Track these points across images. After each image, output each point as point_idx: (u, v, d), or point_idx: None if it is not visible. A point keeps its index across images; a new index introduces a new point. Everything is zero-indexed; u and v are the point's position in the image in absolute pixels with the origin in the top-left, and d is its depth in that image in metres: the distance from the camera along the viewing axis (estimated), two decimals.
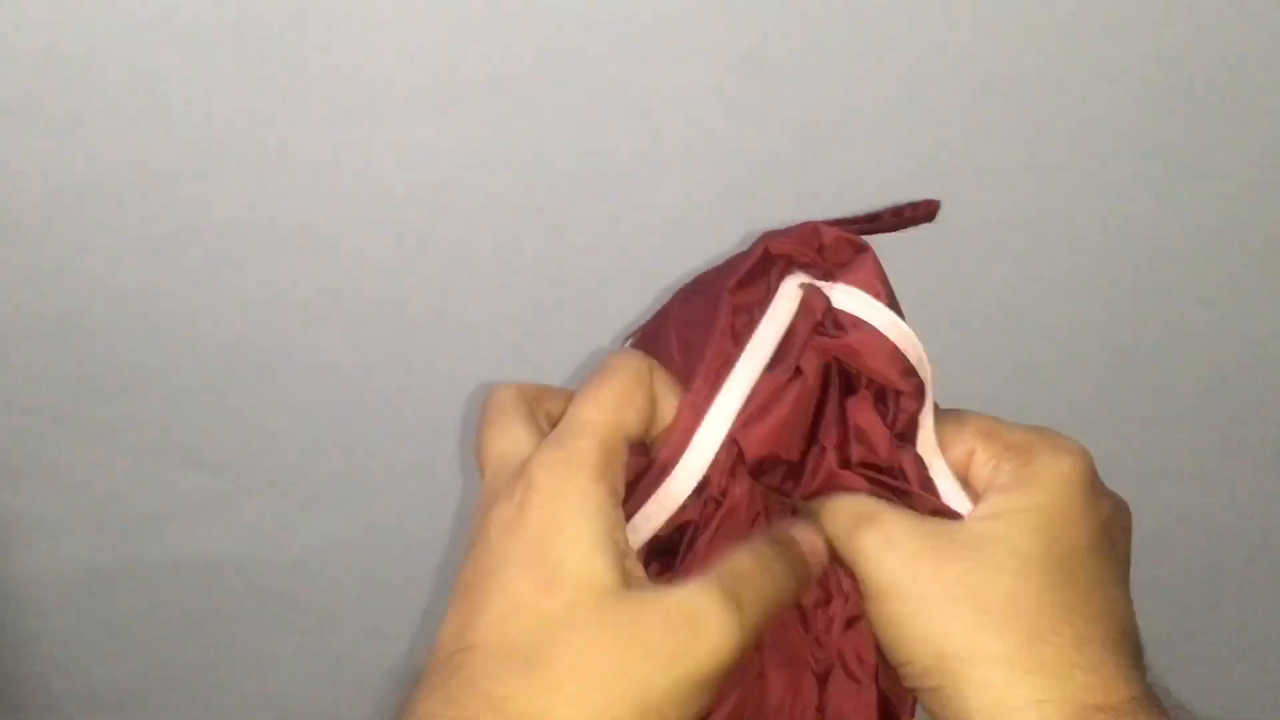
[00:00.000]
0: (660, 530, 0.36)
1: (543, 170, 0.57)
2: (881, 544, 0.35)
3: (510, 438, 0.35)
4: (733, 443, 0.37)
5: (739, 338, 0.38)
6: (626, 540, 0.34)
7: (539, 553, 0.32)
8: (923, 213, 0.42)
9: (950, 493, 0.38)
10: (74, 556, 0.69)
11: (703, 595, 0.32)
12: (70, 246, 0.58)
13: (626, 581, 0.32)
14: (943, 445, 0.39)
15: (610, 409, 0.34)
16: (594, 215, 0.59)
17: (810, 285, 0.39)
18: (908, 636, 0.34)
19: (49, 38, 0.51)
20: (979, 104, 0.57)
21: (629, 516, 0.36)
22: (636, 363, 0.36)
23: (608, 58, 0.54)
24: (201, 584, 0.71)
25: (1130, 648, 0.35)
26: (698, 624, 0.31)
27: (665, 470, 0.36)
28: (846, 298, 0.39)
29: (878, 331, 0.39)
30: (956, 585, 0.34)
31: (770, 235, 0.40)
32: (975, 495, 0.38)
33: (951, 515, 0.37)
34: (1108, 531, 0.36)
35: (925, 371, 0.39)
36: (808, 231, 0.40)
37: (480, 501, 0.35)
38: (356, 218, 0.58)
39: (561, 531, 0.32)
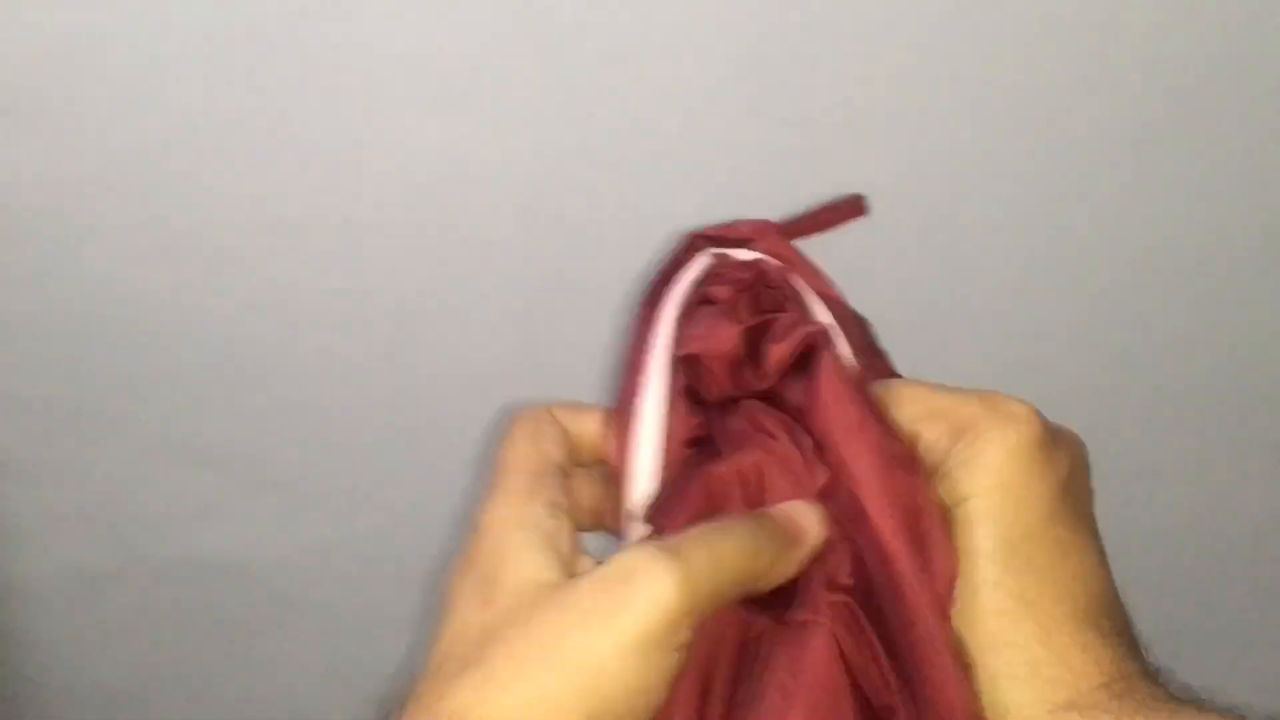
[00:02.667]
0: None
1: (543, 170, 0.57)
2: None
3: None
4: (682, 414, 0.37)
5: (652, 324, 0.38)
6: (572, 545, 0.34)
7: (483, 578, 0.33)
8: (849, 210, 0.42)
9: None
10: (74, 556, 0.69)
11: (633, 552, 0.31)
12: (70, 246, 0.58)
13: (572, 574, 0.33)
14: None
15: (523, 444, 0.36)
16: (594, 215, 0.59)
17: (720, 252, 0.39)
18: None
19: (49, 38, 0.51)
20: (979, 104, 0.57)
21: (620, 528, 0.36)
22: (529, 407, 0.38)
23: (608, 58, 0.54)
24: (201, 584, 0.71)
25: (1104, 616, 0.34)
26: (629, 577, 0.30)
27: (621, 477, 0.37)
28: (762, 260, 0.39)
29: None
30: None
31: (698, 230, 0.41)
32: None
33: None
34: (1068, 490, 0.35)
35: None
36: (737, 229, 0.40)
37: None
38: (357, 218, 0.58)
39: (501, 553, 0.33)
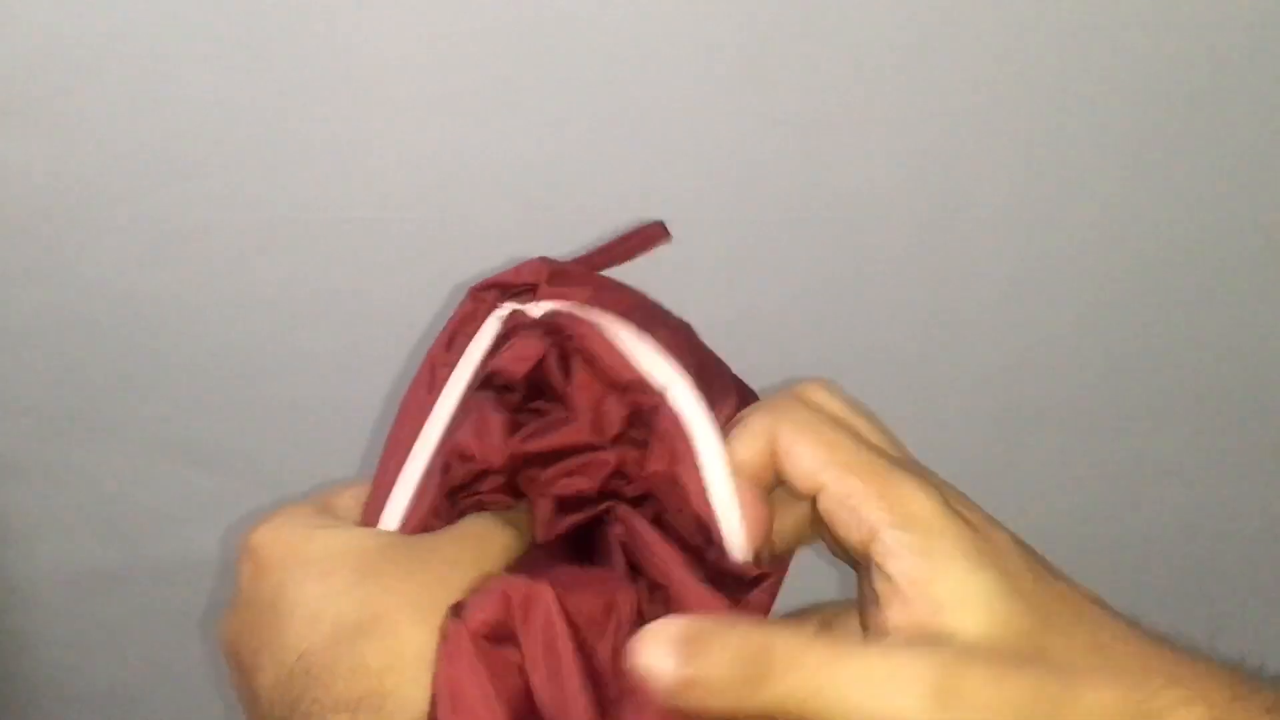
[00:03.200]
0: None
1: (544, 170, 0.57)
2: (864, 698, 0.28)
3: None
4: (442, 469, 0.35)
5: (435, 386, 0.36)
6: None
7: (300, 563, 0.33)
8: (651, 237, 0.40)
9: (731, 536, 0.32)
10: (74, 556, 0.69)
11: (477, 518, 0.34)
12: (70, 246, 0.58)
13: (390, 538, 0.34)
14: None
15: (281, 519, 0.35)
16: (595, 214, 0.59)
17: (517, 309, 0.36)
18: None
19: (49, 38, 0.51)
20: (979, 104, 0.57)
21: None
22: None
23: (608, 58, 0.54)
24: (201, 584, 0.71)
25: (1134, 627, 0.31)
26: (480, 535, 0.34)
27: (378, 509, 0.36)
28: (545, 308, 0.36)
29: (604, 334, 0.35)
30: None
31: (480, 283, 0.38)
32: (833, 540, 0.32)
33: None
34: (984, 522, 0.31)
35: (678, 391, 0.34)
36: (528, 268, 0.38)
37: (222, 631, 0.36)
38: (357, 218, 0.58)
39: (310, 539, 0.33)
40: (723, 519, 0.32)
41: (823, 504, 0.31)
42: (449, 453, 0.35)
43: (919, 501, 0.30)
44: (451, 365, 0.37)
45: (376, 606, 0.31)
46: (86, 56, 0.52)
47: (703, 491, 0.32)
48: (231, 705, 0.36)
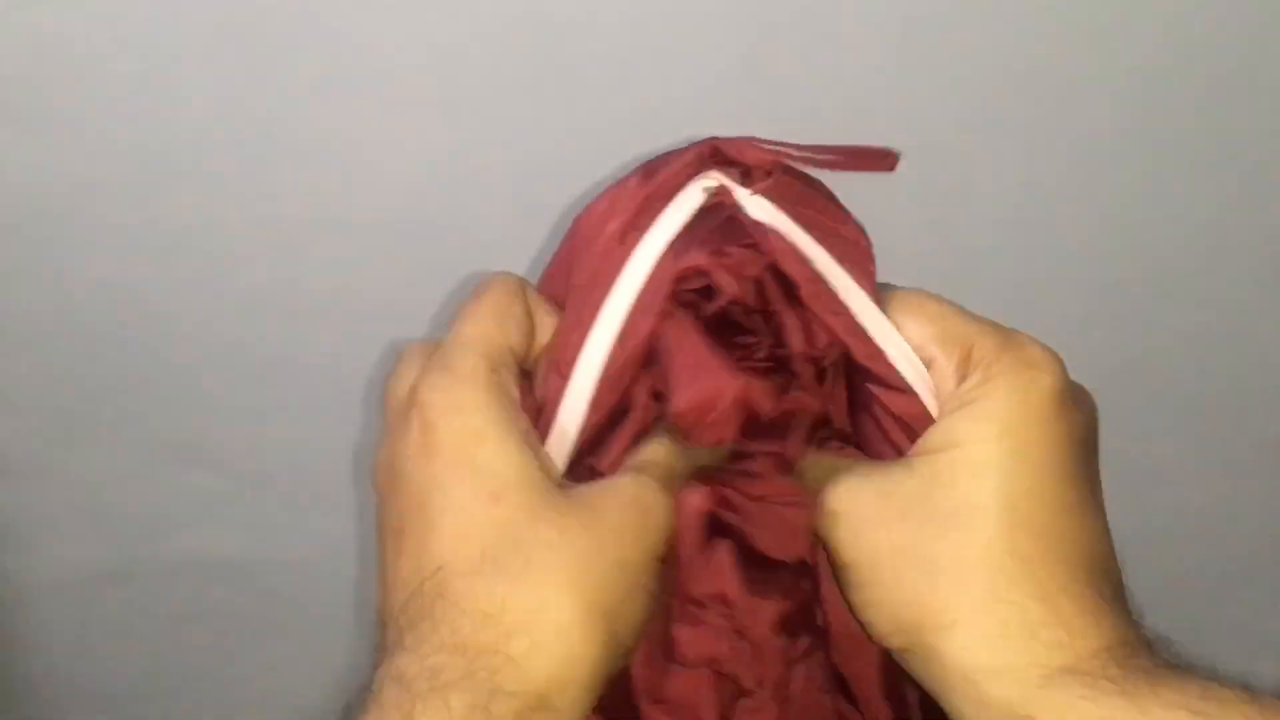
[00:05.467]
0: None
1: (544, 170, 0.57)
2: (830, 520, 0.34)
3: (405, 380, 0.34)
4: (629, 351, 0.34)
5: (628, 238, 0.35)
6: (539, 443, 0.34)
7: (469, 467, 0.31)
8: (880, 159, 0.39)
9: (909, 372, 0.35)
10: (74, 556, 0.69)
11: (642, 482, 0.33)
12: (70, 246, 0.58)
13: (558, 481, 0.33)
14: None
15: (489, 323, 0.34)
16: None
17: (720, 185, 0.35)
18: (868, 608, 0.33)
19: (49, 38, 0.51)
20: (979, 104, 0.57)
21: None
22: (508, 279, 0.36)
23: (608, 58, 0.54)
24: (201, 584, 0.71)
25: (1105, 581, 0.32)
26: (644, 505, 0.33)
27: (555, 401, 0.35)
28: (759, 209, 0.35)
29: (786, 238, 0.35)
30: (905, 553, 0.32)
31: (704, 145, 0.36)
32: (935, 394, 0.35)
33: (907, 398, 0.35)
34: (1078, 449, 0.33)
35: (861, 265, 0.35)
36: (754, 152, 0.36)
37: (379, 446, 0.34)
38: (357, 218, 0.58)
39: (484, 442, 0.31)
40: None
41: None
42: (667, 406, 0.35)
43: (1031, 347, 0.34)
44: (643, 229, 0.35)
45: (532, 556, 0.30)
46: (86, 56, 0.52)
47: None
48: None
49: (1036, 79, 0.56)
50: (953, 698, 0.31)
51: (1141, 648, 0.31)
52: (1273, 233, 0.62)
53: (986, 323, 0.35)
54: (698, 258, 0.34)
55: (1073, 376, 0.34)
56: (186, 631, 0.73)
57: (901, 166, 0.61)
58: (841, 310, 0.35)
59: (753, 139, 0.36)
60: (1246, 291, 0.64)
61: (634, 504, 0.32)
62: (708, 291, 0.35)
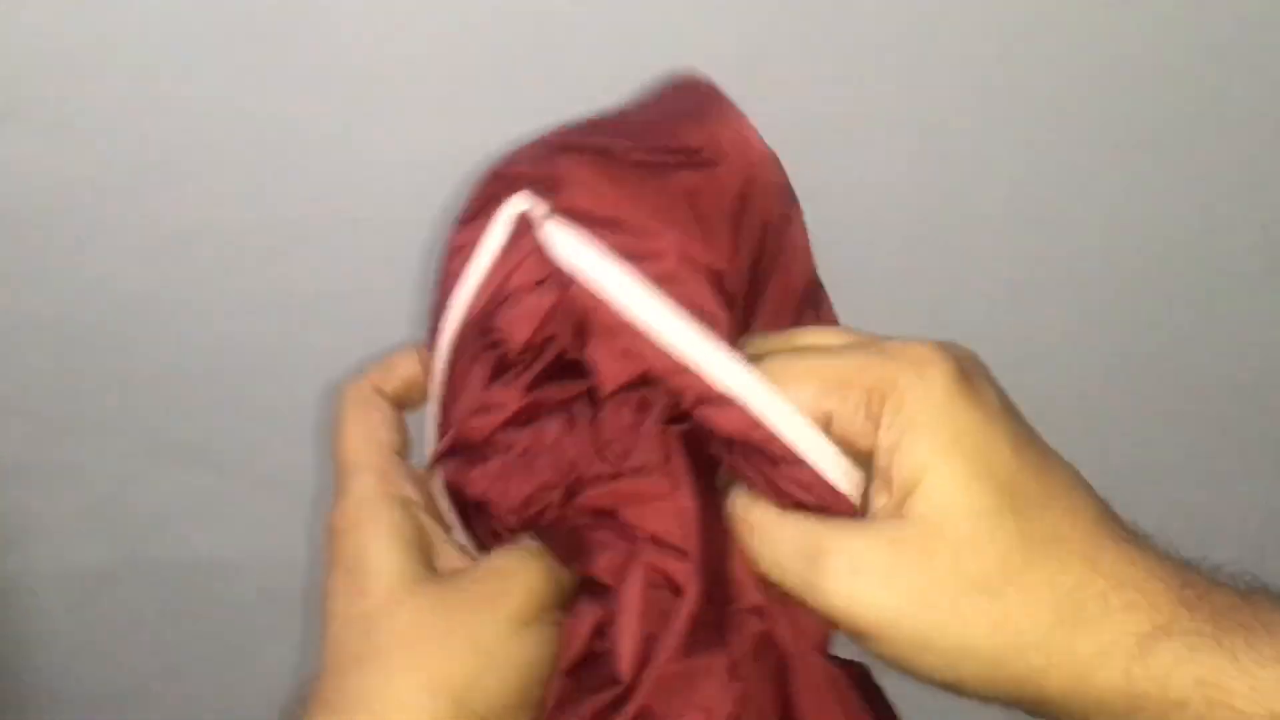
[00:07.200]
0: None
1: None
2: (849, 587, 0.31)
3: (339, 436, 0.38)
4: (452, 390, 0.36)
5: (451, 282, 0.35)
6: (424, 533, 0.35)
7: (351, 575, 0.34)
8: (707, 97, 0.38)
9: (826, 461, 0.32)
10: (74, 556, 0.69)
11: (507, 550, 0.35)
12: (70, 246, 0.58)
13: (433, 570, 0.35)
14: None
15: (357, 440, 0.37)
16: None
17: (529, 212, 0.34)
18: (962, 686, 0.31)
19: (49, 38, 0.51)
20: (979, 104, 0.57)
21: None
22: (355, 388, 0.39)
23: (607, 57, 0.54)
24: (201, 584, 0.71)
25: (1118, 522, 0.31)
26: (503, 571, 0.34)
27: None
28: (565, 239, 0.33)
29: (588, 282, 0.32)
30: (960, 615, 0.30)
31: (501, 160, 0.35)
32: (857, 454, 0.32)
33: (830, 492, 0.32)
34: (1008, 407, 0.32)
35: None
36: (548, 163, 0.34)
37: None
38: (357, 218, 0.58)
39: (365, 552, 0.34)
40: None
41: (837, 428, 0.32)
42: (466, 495, 0.35)
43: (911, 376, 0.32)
44: (458, 270, 0.35)
45: (381, 643, 0.32)
46: (86, 56, 0.52)
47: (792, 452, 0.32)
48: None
49: (1036, 78, 0.56)
50: (1070, 706, 0.30)
51: (1199, 577, 0.30)
52: (1272, 233, 0.62)
53: (852, 349, 0.33)
54: (485, 305, 0.35)
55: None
56: (186, 631, 0.73)
57: (902, 166, 0.61)
58: (649, 342, 0.33)
59: (565, 138, 0.35)
60: (1246, 291, 0.64)
61: (492, 573, 0.34)
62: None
